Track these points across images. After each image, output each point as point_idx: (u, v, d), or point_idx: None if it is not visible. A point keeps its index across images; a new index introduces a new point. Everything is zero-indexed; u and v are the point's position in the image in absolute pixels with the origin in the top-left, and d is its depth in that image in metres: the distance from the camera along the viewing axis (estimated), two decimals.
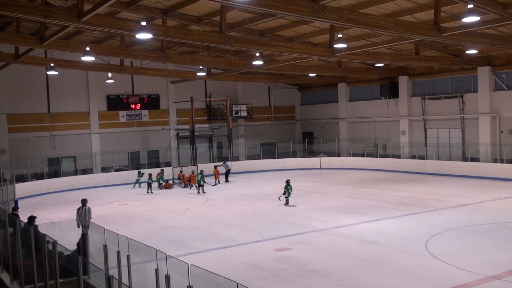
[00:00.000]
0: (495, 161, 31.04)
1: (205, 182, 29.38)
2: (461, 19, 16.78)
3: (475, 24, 17.96)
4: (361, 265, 13.76)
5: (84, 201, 17.29)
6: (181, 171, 32.83)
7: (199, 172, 29.84)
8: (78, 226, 16.90)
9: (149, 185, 29.79)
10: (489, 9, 17.62)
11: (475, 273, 12.56)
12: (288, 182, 23.70)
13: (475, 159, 31.96)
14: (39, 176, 32.51)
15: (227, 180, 33.19)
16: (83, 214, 16.87)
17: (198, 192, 28.80)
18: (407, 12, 20.98)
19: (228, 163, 35.20)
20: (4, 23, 26.42)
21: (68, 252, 9.77)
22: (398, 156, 36.79)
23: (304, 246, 16.08)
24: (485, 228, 17.62)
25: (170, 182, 32.10)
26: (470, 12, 15.77)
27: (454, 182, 28.95)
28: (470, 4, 15.85)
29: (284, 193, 23.71)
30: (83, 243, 10.99)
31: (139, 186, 31.62)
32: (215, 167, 33.25)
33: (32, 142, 35.51)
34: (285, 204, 23.53)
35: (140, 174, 31.75)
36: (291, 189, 23.67)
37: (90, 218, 16.86)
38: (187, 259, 12.75)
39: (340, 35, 20.76)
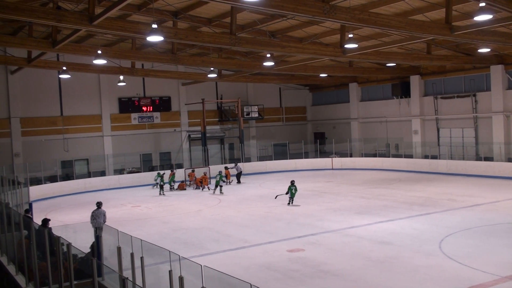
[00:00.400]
0: (509, 160, 30.76)
1: (224, 182, 29.70)
2: (473, 18, 16.66)
3: (487, 23, 17.82)
4: (375, 266, 13.70)
5: (99, 204, 17.39)
6: (192, 171, 32.81)
7: (218, 173, 29.90)
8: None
9: (161, 187, 29.86)
10: (502, 7, 17.42)
11: (490, 273, 12.45)
12: (292, 182, 24.02)
13: (488, 159, 31.69)
14: (52, 179, 32.76)
15: (239, 182, 33.21)
16: (97, 217, 16.96)
17: (214, 192, 28.91)
18: (418, 11, 20.87)
19: (240, 164, 35.20)
20: (16, 28, 26.70)
21: (82, 254, 9.83)
22: (410, 156, 36.59)
23: (317, 247, 16.04)
24: (499, 228, 17.46)
25: (184, 183, 32.16)
26: (482, 10, 15.62)
27: (468, 182, 28.73)
28: (482, 2, 15.72)
29: (286, 193, 23.90)
30: (97, 245, 11.05)
31: (157, 187, 31.25)
32: (226, 167, 33.33)
33: (45, 145, 35.77)
34: (288, 204, 23.72)
35: (159, 175, 31.13)
36: (295, 190, 23.84)
37: (105, 221, 16.93)
38: (200, 260, 12.78)
39: (351, 35, 20.70)
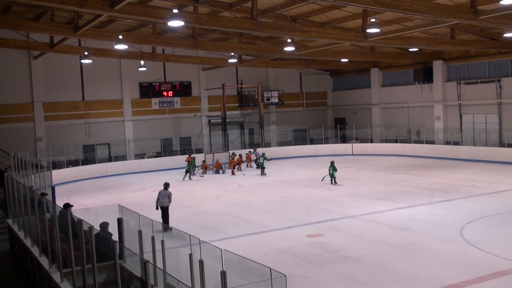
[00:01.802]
0: None
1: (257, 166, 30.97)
2: (499, 1, 16.30)
3: None
4: (395, 252, 13.65)
5: (166, 185, 18.06)
6: (234, 156, 32.70)
7: (261, 154, 30.62)
8: (157, 208, 17.79)
9: (187, 171, 29.88)
10: None
11: None
12: (332, 163, 25.27)
13: None
14: (74, 163, 33.17)
15: (258, 167, 33.18)
16: (161, 197, 17.70)
17: (263, 173, 29.80)
18: None
19: (259, 150, 35.18)
20: (39, 13, 26.87)
21: (103, 237, 9.95)
22: (432, 142, 36.21)
23: (336, 232, 16.03)
24: None
25: (205, 162, 32.39)
26: None
27: (490, 168, 28.37)
28: None
29: (331, 175, 25.12)
30: (118, 228, 11.19)
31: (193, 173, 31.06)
32: (248, 152, 33.59)
33: (67, 130, 36.22)
34: (331, 183, 24.96)
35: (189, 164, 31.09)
36: (334, 170, 25.02)
37: (170, 201, 17.72)
38: (220, 244, 12.83)
39: (373, 20, 20.43)
